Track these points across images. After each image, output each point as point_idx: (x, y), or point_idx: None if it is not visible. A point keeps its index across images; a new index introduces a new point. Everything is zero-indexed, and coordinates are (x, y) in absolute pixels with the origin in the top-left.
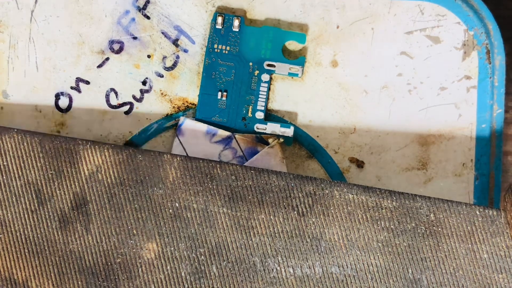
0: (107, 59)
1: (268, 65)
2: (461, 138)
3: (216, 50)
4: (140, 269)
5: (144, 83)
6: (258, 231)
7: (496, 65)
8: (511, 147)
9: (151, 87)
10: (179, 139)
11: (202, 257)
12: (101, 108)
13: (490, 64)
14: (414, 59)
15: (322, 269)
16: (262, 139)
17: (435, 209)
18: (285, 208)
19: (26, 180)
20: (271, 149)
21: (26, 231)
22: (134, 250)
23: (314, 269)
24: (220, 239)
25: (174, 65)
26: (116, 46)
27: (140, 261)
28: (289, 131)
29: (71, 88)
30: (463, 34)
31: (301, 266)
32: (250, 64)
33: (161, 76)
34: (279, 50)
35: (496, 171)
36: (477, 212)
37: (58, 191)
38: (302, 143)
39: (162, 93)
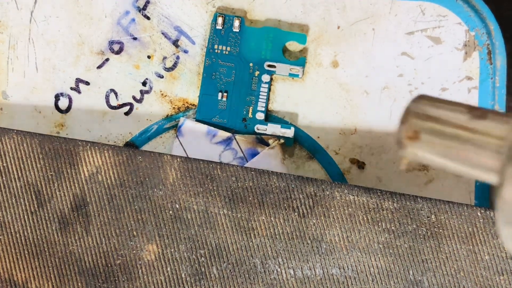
0: (107, 59)
1: (269, 65)
2: None
3: (216, 50)
4: (140, 271)
5: (144, 83)
6: (258, 233)
7: (498, 66)
8: None
9: (151, 88)
10: (179, 140)
11: (203, 258)
12: (101, 109)
13: (491, 65)
14: (415, 59)
15: (323, 271)
16: (262, 140)
17: (436, 210)
18: (286, 210)
19: (25, 181)
20: (271, 150)
21: (25, 232)
22: (134, 251)
23: (314, 270)
24: (220, 241)
25: (174, 65)
26: (116, 47)
27: (140, 262)
28: (289, 132)
29: (71, 88)
30: (464, 34)
31: (301, 268)
32: (251, 64)
33: (161, 76)
34: (279, 50)
35: None
36: (478, 214)
37: (58, 192)
38: (302, 144)
39: (162, 94)
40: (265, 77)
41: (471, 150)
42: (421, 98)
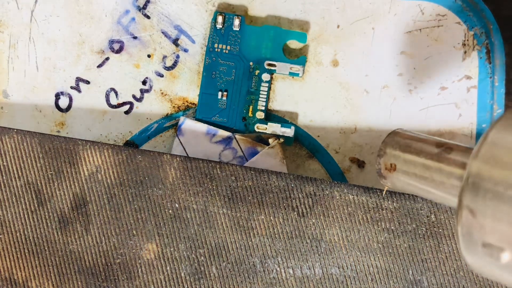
0: (107, 58)
1: (269, 64)
2: (461, 138)
3: (216, 49)
4: (140, 270)
5: (144, 82)
6: (258, 232)
7: (496, 65)
8: None
9: (151, 87)
10: (179, 139)
11: (202, 257)
12: (101, 107)
13: (490, 64)
14: (414, 58)
15: (322, 270)
16: (262, 139)
17: (435, 210)
18: (285, 209)
19: (26, 181)
20: (271, 149)
21: (26, 231)
22: (134, 250)
23: (314, 270)
24: (220, 240)
25: (174, 64)
26: (116, 46)
27: (140, 261)
28: (289, 131)
29: (71, 87)
30: (463, 34)
31: (301, 267)
32: (251, 63)
33: (161, 75)
34: (279, 49)
35: None
36: None
37: (58, 192)
38: (302, 143)
39: (162, 93)
40: (265, 76)
41: (438, 178)
42: (396, 133)
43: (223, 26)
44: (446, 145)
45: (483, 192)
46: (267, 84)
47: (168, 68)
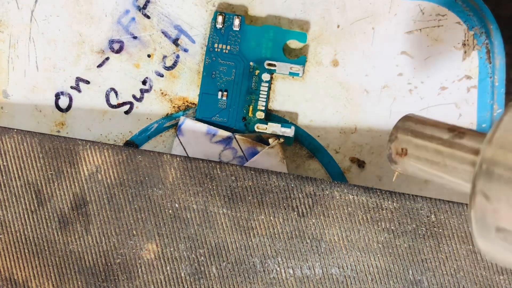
0: (107, 58)
1: (269, 64)
2: None
3: (216, 49)
4: (139, 270)
5: (144, 82)
6: (258, 232)
7: (496, 65)
8: None
9: (151, 87)
10: (179, 139)
11: (202, 257)
12: (101, 107)
13: (490, 64)
14: (414, 58)
15: (322, 270)
16: (262, 139)
17: (436, 210)
18: (285, 209)
19: (26, 181)
20: (271, 149)
21: (26, 232)
22: (133, 250)
23: (314, 270)
24: (220, 240)
25: (174, 64)
26: (116, 46)
27: (139, 261)
28: (289, 131)
29: (71, 87)
30: (463, 34)
31: (301, 267)
32: (251, 63)
33: (161, 75)
34: (279, 49)
35: None
36: None
37: (58, 192)
38: (302, 143)
39: (162, 93)
40: (265, 76)
41: (450, 164)
42: (408, 118)
43: (223, 26)
44: (458, 129)
45: (497, 177)
46: (267, 84)
47: (168, 68)
